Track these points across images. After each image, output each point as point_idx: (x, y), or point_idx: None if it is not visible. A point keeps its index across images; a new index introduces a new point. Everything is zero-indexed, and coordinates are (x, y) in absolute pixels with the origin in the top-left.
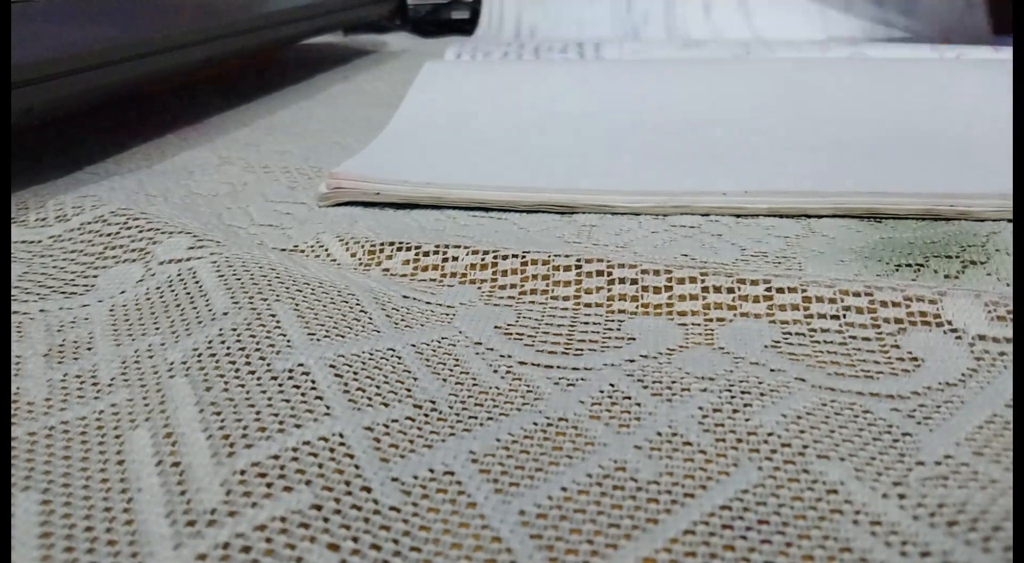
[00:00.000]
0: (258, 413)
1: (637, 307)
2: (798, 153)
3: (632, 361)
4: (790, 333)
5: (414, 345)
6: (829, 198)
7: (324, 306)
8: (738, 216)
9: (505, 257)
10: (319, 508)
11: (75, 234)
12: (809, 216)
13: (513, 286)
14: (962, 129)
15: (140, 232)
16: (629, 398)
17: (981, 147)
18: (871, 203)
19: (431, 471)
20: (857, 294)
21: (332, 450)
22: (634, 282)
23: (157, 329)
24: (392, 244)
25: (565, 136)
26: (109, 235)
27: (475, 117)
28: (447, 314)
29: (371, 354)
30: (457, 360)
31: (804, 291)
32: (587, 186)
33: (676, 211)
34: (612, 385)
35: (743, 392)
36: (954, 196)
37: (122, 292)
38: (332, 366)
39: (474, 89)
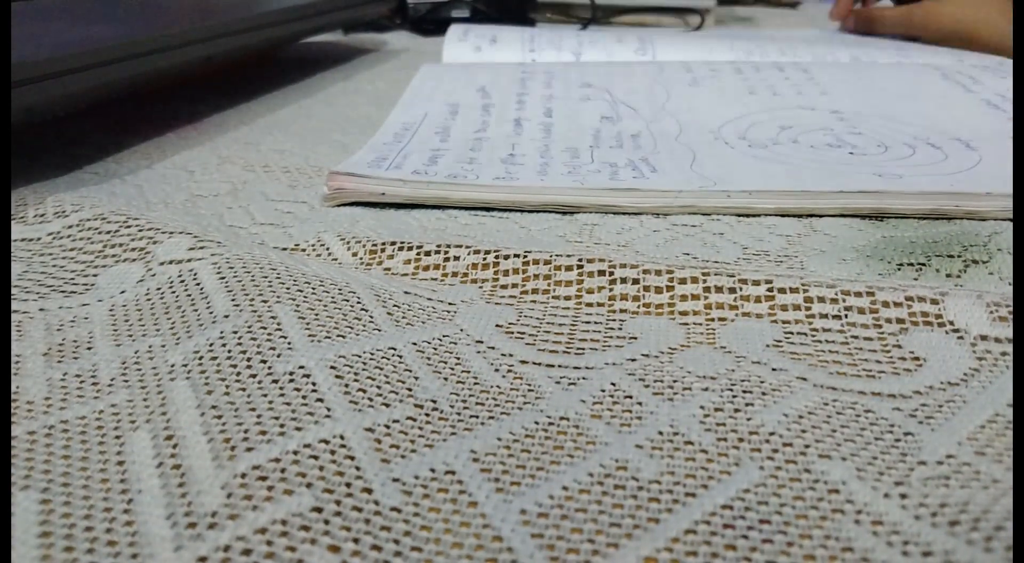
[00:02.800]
0: (259, 416)
1: (639, 306)
2: (800, 153)
3: (633, 360)
4: (792, 333)
5: (415, 344)
6: (834, 198)
7: (325, 306)
8: (740, 215)
9: (507, 257)
10: (320, 510)
11: (74, 231)
12: (812, 216)
13: (515, 286)
14: (963, 128)
15: (140, 231)
16: (630, 397)
17: (982, 146)
18: (876, 203)
19: (432, 471)
20: (859, 294)
21: (333, 452)
22: (636, 282)
23: (158, 330)
24: (394, 243)
25: (562, 137)
26: (109, 233)
27: (469, 115)
28: (448, 311)
29: (372, 354)
30: (458, 359)
31: (806, 291)
32: (589, 186)
33: (681, 211)
34: (613, 384)
35: (745, 391)
36: (960, 196)
37: (122, 292)
38: (333, 367)
39: (469, 89)
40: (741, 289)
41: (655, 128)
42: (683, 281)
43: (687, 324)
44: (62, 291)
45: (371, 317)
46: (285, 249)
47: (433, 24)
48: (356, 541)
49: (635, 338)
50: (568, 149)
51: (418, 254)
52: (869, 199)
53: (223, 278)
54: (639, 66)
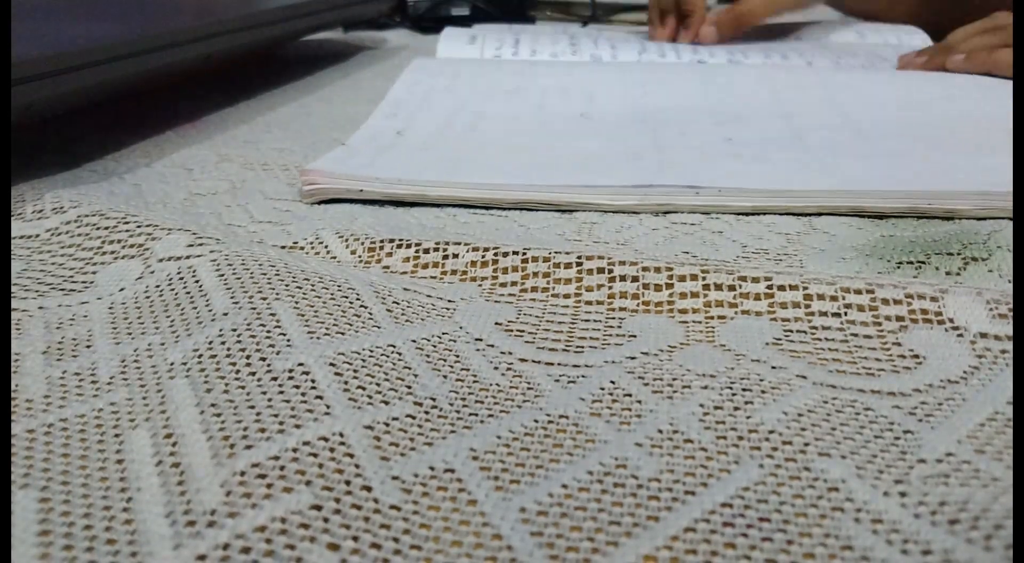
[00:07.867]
0: (258, 414)
1: (638, 304)
2: (777, 151)
3: (633, 358)
4: (791, 330)
5: (414, 341)
6: (807, 197)
7: (324, 303)
8: (738, 214)
9: (506, 254)
10: (319, 508)
11: (72, 227)
12: (797, 214)
13: (514, 284)
14: (937, 128)
15: (138, 227)
16: (630, 395)
17: (962, 145)
18: (852, 202)
19: (432, 469)
20: (858, 292)
21: (332, 450)
22: (635, 280)
23: (157, 328)
24: (392, 241)
25: (539, 134)
26: (107, 229)
27: (452, 113)
28: (447, 309)
29: (371, 351)
30: (458, 357)
31: (805, 289)
32: (562, 183)
33: (654, 209)
34: (613, 382)
35: (744, 389)
36: (935, 195)
37: (121, 289)
38: (332, 364)
39: (453, 88)
40: (740, 287)
41: (638, 124)
42: (682, 279)
43: (686, 322)
44: (61, 289)
45: (370, 314)
46: (284, 247)
47: (432, 22)
48: (355, 539)
49: (634, 336)
50: (546, 146)
51: (417, 252)
52: (844, 198)
53: (222, 275)
54: (623, 65)
